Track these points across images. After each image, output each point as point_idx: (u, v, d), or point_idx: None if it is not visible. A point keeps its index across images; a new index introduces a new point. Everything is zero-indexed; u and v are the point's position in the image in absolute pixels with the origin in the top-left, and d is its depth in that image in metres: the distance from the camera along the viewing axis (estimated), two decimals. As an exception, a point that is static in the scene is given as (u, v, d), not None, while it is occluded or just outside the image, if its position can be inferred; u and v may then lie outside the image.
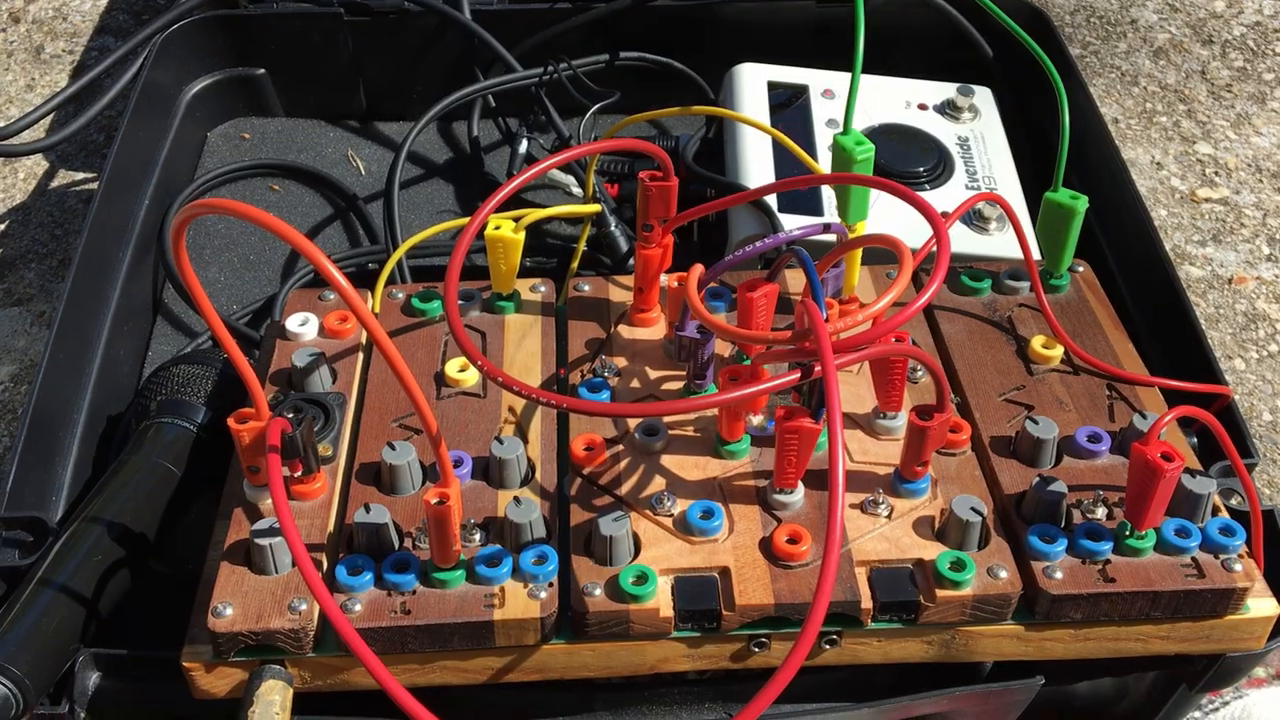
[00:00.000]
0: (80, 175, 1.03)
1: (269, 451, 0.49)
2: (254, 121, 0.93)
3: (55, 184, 1.02)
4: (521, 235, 0.61)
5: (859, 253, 0.64)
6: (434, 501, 0.47)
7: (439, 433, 0.47)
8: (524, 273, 0.64)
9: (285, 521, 0.46)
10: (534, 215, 0.64)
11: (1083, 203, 0.63)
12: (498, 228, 0.61)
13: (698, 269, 0.55)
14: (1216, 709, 0.70)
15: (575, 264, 0.75)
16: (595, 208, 0.73)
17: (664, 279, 0.63)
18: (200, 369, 0.65)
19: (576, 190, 0.84)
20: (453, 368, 0.60)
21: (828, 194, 0.77)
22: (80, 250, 0.72)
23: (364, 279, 0.80)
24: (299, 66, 0.93)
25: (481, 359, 0.51)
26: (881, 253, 0.68)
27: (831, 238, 0.59)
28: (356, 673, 0.51)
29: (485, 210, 0.56)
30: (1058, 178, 0.64)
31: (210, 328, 0.43)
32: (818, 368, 0.48)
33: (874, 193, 0.66)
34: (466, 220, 0.58)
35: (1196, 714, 0.70)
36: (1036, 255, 0.67)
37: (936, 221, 0.50)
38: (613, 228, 0.77)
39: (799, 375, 0.49)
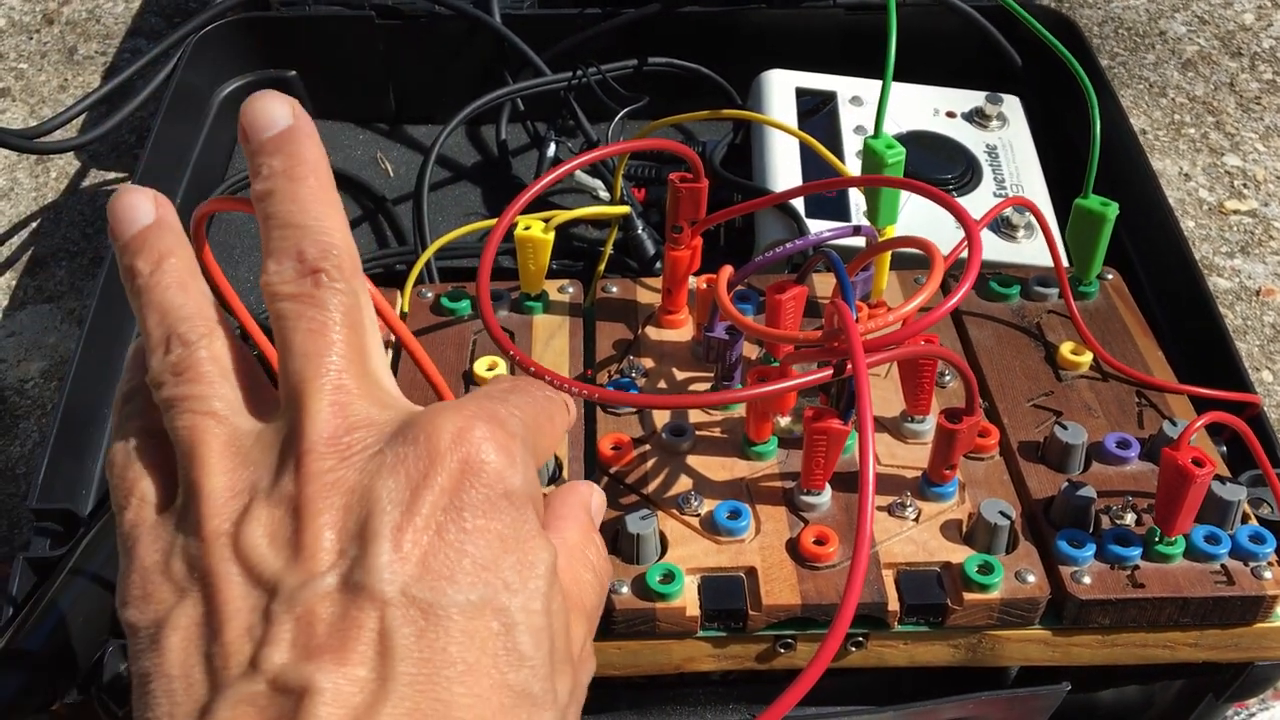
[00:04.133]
0: (112, 175, 1.04)
1: (300, 444, 0.49)
2: (284, 123, 0.94)
3: (87, 183, 1.03)
4: (551, 235, 0.61)
5: (888, 256, 0.64)
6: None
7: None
8: (551, 275, 0.65)
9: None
10: (563, 216, 0.64)
11: (1113, 209, 0.63)
12: (527, 228, 0.61)
13: (727, 269, 0.55)
14: (1243, 721, 0.69)
15: (602, 266, 0.75)
16: (624, 209, 0.73)
17: (692, 281, 0.63)
18: (230, 365, 0.65)
19: (604, 194, 0.84)
20: (481, 366, 0.60)
21: (855, 200, 0.77)
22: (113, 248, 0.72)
23: (392, 279, 0.81)
24: (330, 69, 0.93)
25: (513, 348, 0.51)
26: (909, 260, 0.69)
27: (861, 241, 0.59)
28: (383, 667, 0.51)
29: (515, 207, 0.56)
30: (1088, 184, 0.63)
31: (237, 319, 0.43)
32: (848, 367, 0.48)
33: (904, 196, 0.66)
34: (495, 222, 0.58)
35: (1223, 726, 0.69)
36: (1065, 262, 0.67)
37: (968, 221, 0.50)
38: (640, 231, 0.77)
39: (830, 373, 0.49)
